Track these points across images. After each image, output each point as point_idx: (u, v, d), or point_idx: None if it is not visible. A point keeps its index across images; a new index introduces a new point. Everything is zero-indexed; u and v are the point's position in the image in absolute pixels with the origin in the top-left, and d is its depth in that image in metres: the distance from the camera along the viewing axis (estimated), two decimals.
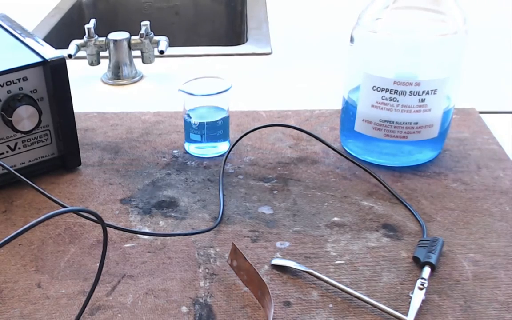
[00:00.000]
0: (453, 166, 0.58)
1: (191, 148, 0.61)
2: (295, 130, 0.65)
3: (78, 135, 0.57)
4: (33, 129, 0.53)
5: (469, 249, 0.47)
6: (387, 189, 0.54)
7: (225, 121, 0.60)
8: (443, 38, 0.53)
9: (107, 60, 0.82)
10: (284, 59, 0.90)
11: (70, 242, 0.48)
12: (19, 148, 0.54)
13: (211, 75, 0.60)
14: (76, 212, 0.32)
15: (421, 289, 0.42)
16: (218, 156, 0.60)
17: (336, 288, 0.43)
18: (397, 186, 0.55)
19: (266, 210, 0.52)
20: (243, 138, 0.63)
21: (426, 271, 0.43)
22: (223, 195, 0.54)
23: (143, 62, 0.82)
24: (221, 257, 0.46)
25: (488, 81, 0.81)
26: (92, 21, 0.81)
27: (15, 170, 0.54)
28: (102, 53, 0.82)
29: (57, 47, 0.59)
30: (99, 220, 0.34)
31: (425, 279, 0.42)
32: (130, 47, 0.81)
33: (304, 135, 0.64)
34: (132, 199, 0.54)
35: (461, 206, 0.52)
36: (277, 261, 0.46)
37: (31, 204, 0.53)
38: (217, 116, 0.59)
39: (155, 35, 0.81)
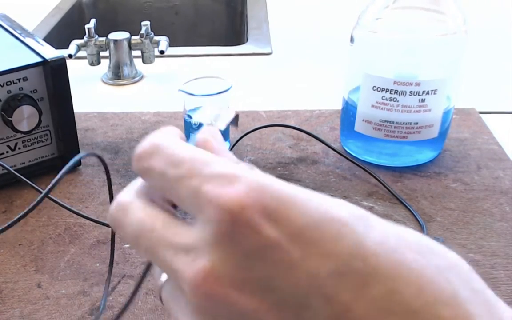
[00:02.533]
0: (453, 166, 0.58)
1: None
2: (295, 130, 0.65)
3: (78, 135, 0.57)
4: (33, 129, 0.53)
5: (469, 249, 0.47)
6: (387, 189, 0.54)
7: None
8: (443, 38, 0.53)
9: (107, 60, 0.82)
10: (284, 59, 0.90)
11: (70, 242, 0.48)
12: (19, 148, 0.54)
13: (211, 75, 0.60)
14: (80, 159, 0.31)
15: None
16: None
17: None
18: (397, 186, 0.55)
19: None
20: (243, 138, 0.63)
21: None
22: None
23: (143, 62, 0.82)
24: None
25: (488, 81, 0.81)
26: (92, 21, 0.81)
27: (15, 170, 0.54)
28: (102, 53, 0.82)
29: (57, 47, 0.59)
30: (102, 161, 0.32)
31: None
32: (130, 47, 0.81)
33: (304, 135, 0.64)
34: None
35: (461, 206, 0.52)
36: None
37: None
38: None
39: (155, 35, 0.81)
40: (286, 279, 0.20)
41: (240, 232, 0.20)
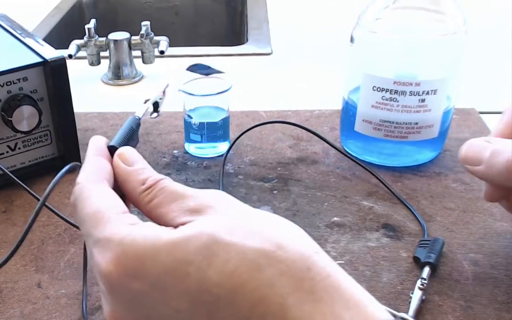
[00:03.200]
0: (453, 166, 0.58)
1: (191, 148, 0.61)
2: (295, 131, 0.65)
3: (78, 135, 0.57)
4: (33, 129, 0.53)
5: (469, 249, 0.47)
6: (388, 189, 0.54)
7: (225, 121, 0.60)
8: (443, 38, 0.53)
9: (107, 60, 0.82)
10: (284, 59, 0.90)
11: (70, 242, 0.48)
12: (19, 148, 0.54)
13: (211, 75, 0.60)
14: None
15: (421, 289, 0.42)
16: (218, 156, 0.60)
17: None
18: (397, 186, 0.55)
19: (266, 210, 0.52)
20: (243, 138, 0.63)
21: (426, 271, 0.43)
22: None
23: (144, 62, 0.82)
24: None
25: (488, 81, 0.81)
26: (92, 21, 0.81)
27: (15, 170, 0.54)
28: (102, 53, 0.82)
29: (57, 47, 0.59)
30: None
31: (425, 279, 0.42)
32: (130, 47, 0.81)
33: (304, 135, 0.64)
34: None
35: (461, 206, 0.52)
36: None
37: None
38: (217, 116, 0.59)
39: (155, 35, 0.81)
40: (160, 315, 0.27)
41: (116, 289, 0.27)
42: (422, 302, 0.41)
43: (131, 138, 0.38)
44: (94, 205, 0.29)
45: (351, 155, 0.59)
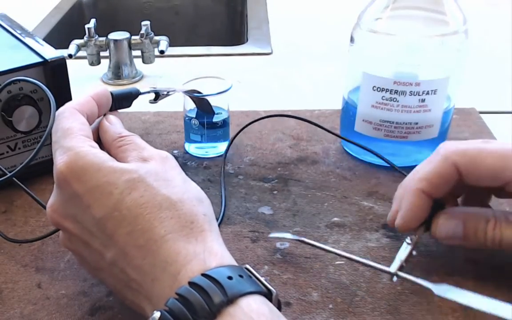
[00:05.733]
0: None
1: (191, 148, 0.61)
2: (295, 130, 0.65)
3: None
4: (33, 129, 0.53)
5: (469, 249, 0.47)
6: (392, 166, 0.54)
7: (225, 121, 0.60)
8: (443, 38, 0.53)
9: (107, 60, 0.82)
10: (284, 59, 0.90)
11: None
12: (19, 148, 0.54)
13: (211, 75, 0.60)
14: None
15: (409, 244, 0.43)
16: (218, 156, 0.60)
17: (331, 253, 0.45)
18: (397, 187, 0.55)
19: (266, 210, 0.52)
20: (243, 138, 0.63)
21: (420, 230, 0.44)
22: (224, 195, 0.54)
23: (144, 62, 0.82)
24: None
25: (488, 81, 0.81)
26: (92, 21, 0.81)
27: (15, 170, 0.54)
28: (102, 53, 0.82)
29: (57, 47, 0.59)
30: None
31: (414, 235, 0.43)
32: (130, 47, 0.81)
33: (304, 135, 0.64)
34: None
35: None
36: (274, 235, 0.48)
37: (31, 205, 0.53)
38: (217, 116, 0.59)
39: (155, 35, 0.81)
40: (83, 216, 0.36)
41: (61, 184, 0.36)
42: (411, 256, 0.42)
43: (126, 98, 0.47)
44: (68, 124, 0.39)
45: (351, 155, 0.59)
